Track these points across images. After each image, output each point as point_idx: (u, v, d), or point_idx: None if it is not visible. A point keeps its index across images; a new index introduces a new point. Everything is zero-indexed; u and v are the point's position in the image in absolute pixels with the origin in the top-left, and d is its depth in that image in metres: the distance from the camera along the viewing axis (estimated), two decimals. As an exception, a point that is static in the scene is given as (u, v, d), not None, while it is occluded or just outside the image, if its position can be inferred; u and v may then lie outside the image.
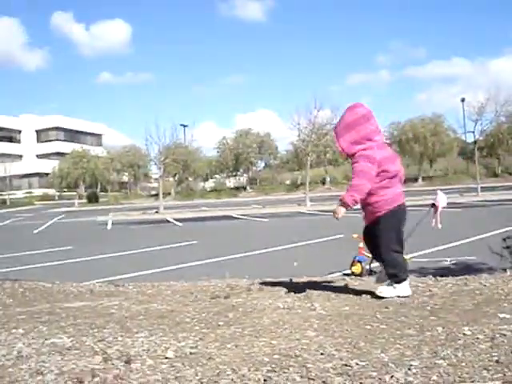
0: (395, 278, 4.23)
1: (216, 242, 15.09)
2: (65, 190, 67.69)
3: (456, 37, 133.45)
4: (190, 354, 2.83)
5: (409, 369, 2.45)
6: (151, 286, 5.53)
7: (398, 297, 4.14)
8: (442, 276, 5.31)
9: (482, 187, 33.35)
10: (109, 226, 24.76)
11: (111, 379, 2.44)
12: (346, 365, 2.55)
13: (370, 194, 4.18)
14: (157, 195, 46.74)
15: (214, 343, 3.02)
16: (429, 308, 3.80)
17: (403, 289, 4.22)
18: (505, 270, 5.45)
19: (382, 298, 4.15)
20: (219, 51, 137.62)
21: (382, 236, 4.27)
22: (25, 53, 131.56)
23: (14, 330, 3.45)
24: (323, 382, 2.33)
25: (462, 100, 41.22)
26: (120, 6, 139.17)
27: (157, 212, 33.18)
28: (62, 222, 30.68)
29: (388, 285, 4.26)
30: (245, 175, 67.15)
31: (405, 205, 4.40)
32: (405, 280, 4.26)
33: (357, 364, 2.55)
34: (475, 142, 36.45)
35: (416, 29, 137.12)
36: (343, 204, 4.14)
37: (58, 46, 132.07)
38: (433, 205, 8.43)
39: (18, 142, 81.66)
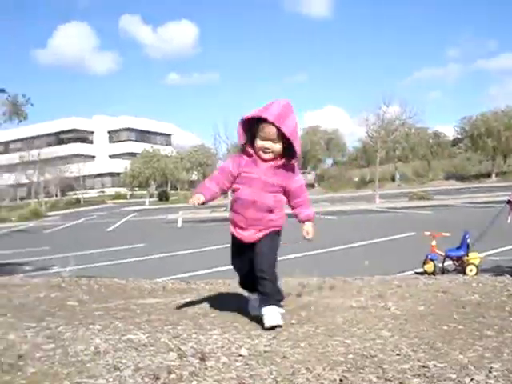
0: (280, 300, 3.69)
1: (284, 239, 15.08)
2: (136, 188, 69.15)
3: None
4: (264, 352, 2.82)
5: (489, 371, 2.37)
6: (223, 283, 5.58)
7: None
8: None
9: (560, 183, 32.08)
10: (179, 224, 25.17)
11: (187, 376, 2.47)
12: (423, 366, 2.48)
13: (273, 208, 3.63)
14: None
15: (288, 342, 3.01)
16: (508, 308, 3.67)
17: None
18: None
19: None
20: (284, 49, 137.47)
21: (273, 253, 3.68)
22: (95, 56, 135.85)
23: (90, 326, 3.53)
24: (400, 383, 2.28)
25: (538, 92, 39.59)
26: (186, 6, 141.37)
27: (225, 210, 33.51)
28: (134, 221, 31.41)
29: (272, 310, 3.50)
30: (313, 172, 66.91)
31: None
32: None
33: (435, 366, 2.48)
34: (552, 136, 35.02)
35: (485, 20, 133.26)
36: (311, 221, 3.73)
37: (127, 48, 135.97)
38: (508, 201, 8.21)
39: (91, 142, 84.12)
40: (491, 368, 2.41)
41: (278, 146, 3.46)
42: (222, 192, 3.74)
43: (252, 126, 3.49)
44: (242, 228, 3.66)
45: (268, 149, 3.47)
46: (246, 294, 4.03)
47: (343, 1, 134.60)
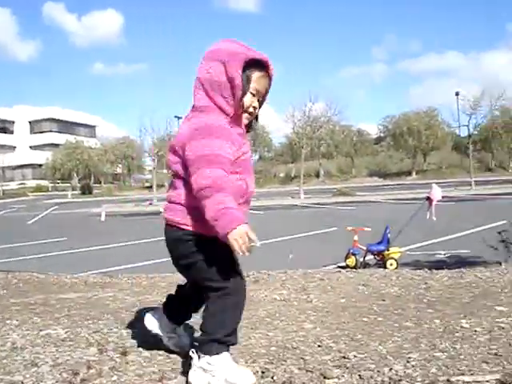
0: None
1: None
2: (58, 181, 67.51)
3: (450, 30, 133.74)
4: (186, 345, 2.80)
5: (407, 361, 2.43)
6: (146, 277, 5.50)
7: None
8: (437, 269, 5.30)
9: (475, 181, 33.49)
10: (102, 218, 24.68)
11: (107, 371, 2.42)
12: (344, 357, 2.53)
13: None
14: (150, 187, 46.71)
15: (211, 335, 2.99)
16: (425, 301, 3.79)
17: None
18: (499, 263, 5.45)
19: None
20: (212, 41, 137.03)
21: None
22: (17, 43, 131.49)
23: (8, 321, 3.41)
24: (321, 374, 2.31)
25: (457, 94, 41.34)
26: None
27: (150, 204, 33.14)
28: (56, 214, 30.61)
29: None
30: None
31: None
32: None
33: (355, 356, 2.53)
34: (469, 136, 36.52)
35: (411, 21, 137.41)
36: None
37: (51, 36, 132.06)
38: (427, 198, 8.50)
39: (12, 132, 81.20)
40: (409, 358, 2.48)
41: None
42: None
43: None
44: None
45: (255, 109, 2.42)
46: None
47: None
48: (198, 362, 2.25)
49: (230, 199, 2.12)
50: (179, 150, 2.30)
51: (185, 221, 2.30)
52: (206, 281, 2.30)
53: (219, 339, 2.25)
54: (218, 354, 2.23)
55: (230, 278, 2.27)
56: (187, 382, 2.27)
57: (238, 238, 2.04)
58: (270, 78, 2.41)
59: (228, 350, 2.28)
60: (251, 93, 2.36)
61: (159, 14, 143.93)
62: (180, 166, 2.31)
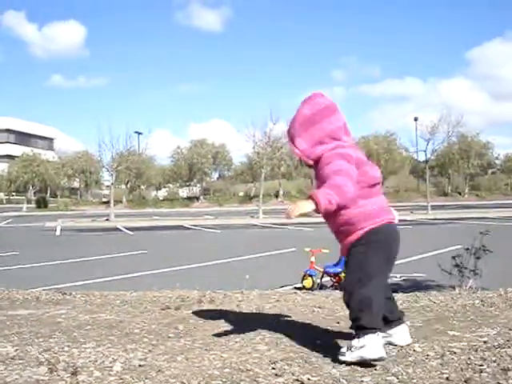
0: (361, 326, 2.84)
1: (167, 251, 14.96)
2: (13, 193, 66.21)
3: (409, 56, 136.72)
4: (139, 366, 2.76)
5: (360, 385, 2.44)
6: (100, 295, 5.41)
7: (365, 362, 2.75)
8: (392, 292, 5.34)
9: (431, 205, 34.02)
10: (57, 232, 24.25)
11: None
12: (297, 380, 2.53)
13: (343, 207, 2.91)
14: (108, 202, 46.16)
15: (164, 355, 2.96)
16: (379, 324, 3.81)
17: (372, 347, 2.75)
18: (453, 287, 5.53)
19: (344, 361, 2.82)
20: (175, 58, 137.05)
21: (365, 265, 2.92)
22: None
23: (-46, 338, 3.32)
24: (274, 397, 2.31)
25: (415, 119, 42.21)
26: (74, 7, 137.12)
27: (107, 220, 32.73)
28: (9, 227, 29.94)
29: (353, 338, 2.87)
30: (198, 185, 66.88)
31: (395, 224, 3.19)
32: (374, 331, 2.80)
33: (308, 379, 2.53)
34: (427, 161, 37.14)
35: (370, 46, 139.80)
36: (313, 201, 2.76)
37: (10, 45, 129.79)
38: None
39: (-34, 143, 79.55)
40: (362, 382, 2.50)
41: (293, 148, 3.18)
42: None
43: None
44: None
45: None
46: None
47: (234, 16, 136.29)
48: None
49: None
50: None
51: None
52: None
53: None
54: None
55: None
56: None
57: None
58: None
59: None
60: None
61: (121, 28, 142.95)
62: None
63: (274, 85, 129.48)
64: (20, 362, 2.83)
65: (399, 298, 4.91)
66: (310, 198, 2.78)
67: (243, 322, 3.85)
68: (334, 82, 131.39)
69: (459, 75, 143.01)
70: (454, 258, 6.08)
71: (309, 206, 2.77)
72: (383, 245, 2.98)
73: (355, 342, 2.79)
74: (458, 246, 10.52)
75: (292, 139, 3.14)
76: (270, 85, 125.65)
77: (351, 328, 2.93)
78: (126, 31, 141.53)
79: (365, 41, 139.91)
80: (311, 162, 3.09)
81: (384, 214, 3.06)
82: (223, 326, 3.75)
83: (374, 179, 3.03)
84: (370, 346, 2.74)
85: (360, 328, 2.82)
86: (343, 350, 2.83)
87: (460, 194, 58.57)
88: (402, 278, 8.97)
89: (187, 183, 68.26)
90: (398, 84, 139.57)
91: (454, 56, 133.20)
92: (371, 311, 2.81)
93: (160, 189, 70.95)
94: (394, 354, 2.98)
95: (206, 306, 4.55)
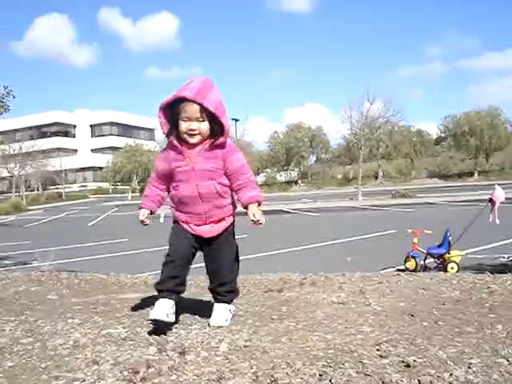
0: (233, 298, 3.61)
1: (268, 236, 15.11)
2: (118, 183, 68.89)
3: (509, 27, 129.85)
4: (244, 346, 2.81)
5: (469, 367, 2.37)
6: (204, 278, 5.55)
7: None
8: (499, 273, 5.15)
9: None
10: (161, 220, 25.02)
11: (166, 370, 2.45)
12: (402, 361, 2.48)
13: (223, 194, 3.32)
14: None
15: (268, 336, 3.00)
16: (487, 305, 3.69)
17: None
18: None
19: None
20: (266, 45, 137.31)
21: (234, 256, 3.52)
22: (74, 49, 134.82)
23: (70, 320, 3.50)
24: (380, 378, 2.28)
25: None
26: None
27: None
28: (116, 215, 31.25)
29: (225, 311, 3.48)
30: (296, 169, 66.95)
31: None
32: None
33: (414, 361, 2.48)
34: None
35: (469, 19, 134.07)
36: (258, 203, 3.33)
37: (107, 41, 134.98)
38: (490, 200, 8.28)
39: (73, 136, 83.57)
40: (470, 364, 2.42)
41: (204, 125, 3.09)
42: (168, 190, 3.43)
43: (174, 113, 3.13)
44: (198, 225, 3.36)
45: (194, 130, 3.09)
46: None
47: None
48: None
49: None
50: None
51: None
52: None
53: None
54: None
55: None
56: None
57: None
58: (194, 101, 3.01)
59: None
60: (183, 120, 3.08)
61: (213, 17, 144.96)
62: None
63: (368, 64, 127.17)
64: (131, 342, 2.95)
65: (507, 278, 4.71)
66: (253, 202, 3.31)
67: (346, 304, 3.84)
68: (430, 58, 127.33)
69: None
70: None
71: (258, 208, 3.36)
72: None
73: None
74: None
75: (221, 112, 3.12)
76: (364, 64, 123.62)
77: None
78: (217, 20, 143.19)
79: (462, 13, 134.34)
80: (229, 141, 3.24)
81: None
82: (325, 307, 3.74)
83: None
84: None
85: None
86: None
87: None
88: (510, 259, 8.63)
89: (285, 167, 68.46)
90: (498, 57, 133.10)
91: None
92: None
93: (258, 174, 71.67)
94: (503, 335, 2.87)
95: (308, 289, 4.55)
